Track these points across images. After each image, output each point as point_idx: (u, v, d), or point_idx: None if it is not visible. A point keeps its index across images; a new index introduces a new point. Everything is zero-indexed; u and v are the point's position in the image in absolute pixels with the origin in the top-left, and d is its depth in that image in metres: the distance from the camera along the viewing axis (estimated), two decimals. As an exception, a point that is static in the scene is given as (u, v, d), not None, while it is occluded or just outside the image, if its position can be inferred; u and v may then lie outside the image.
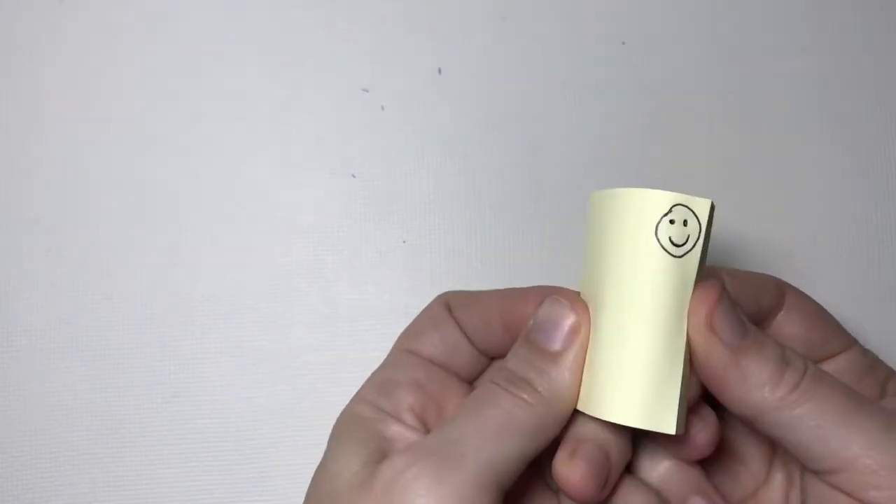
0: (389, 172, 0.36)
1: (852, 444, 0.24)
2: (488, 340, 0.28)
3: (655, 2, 0.37)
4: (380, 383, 0.28)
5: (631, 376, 0.25)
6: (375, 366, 0.35)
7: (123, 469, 0.35)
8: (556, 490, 0.28)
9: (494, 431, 0.24)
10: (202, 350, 0.35)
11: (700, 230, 0.25)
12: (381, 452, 0.25)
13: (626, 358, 0.25)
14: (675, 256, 0.25)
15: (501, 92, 0.36)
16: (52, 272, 0.35)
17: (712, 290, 0.25)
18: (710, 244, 0.26)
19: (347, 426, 0.27)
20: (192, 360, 0.35)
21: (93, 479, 0.35)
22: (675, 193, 0.25)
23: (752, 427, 0.25)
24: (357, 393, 0.28)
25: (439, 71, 0.37)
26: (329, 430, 0.35)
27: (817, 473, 0.25)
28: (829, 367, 0.28)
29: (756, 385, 0.24)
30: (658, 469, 0.28)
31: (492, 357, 0.29)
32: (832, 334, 0.28)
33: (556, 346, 0.26)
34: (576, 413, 0.26)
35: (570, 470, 0.25)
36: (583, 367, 0.26)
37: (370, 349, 0.35)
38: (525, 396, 0.25)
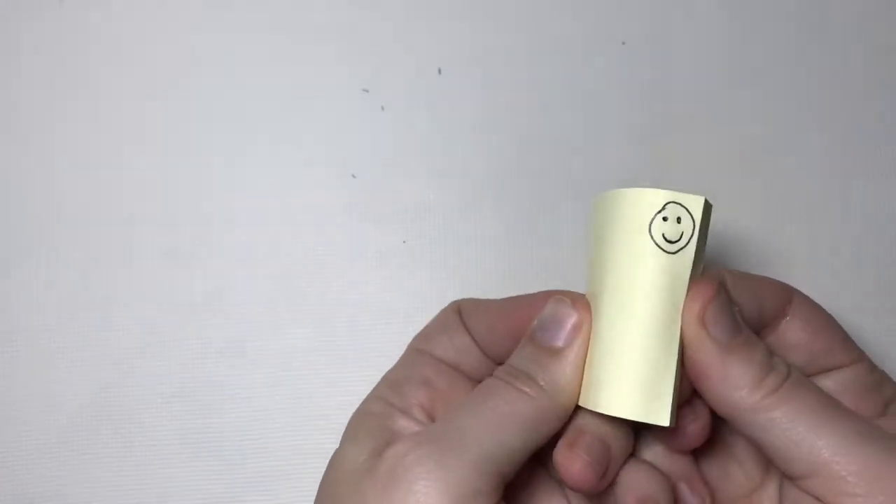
0: (389, 172, 0.36)
1: (823, 449, 0.24)
2: (495, 345, 0.29)
3: (655, 2, 0.37)
4: (391, 382, 0.29)
5: (626, 370, 0.25)
6: (375, 365, 0.35)
7: (123, 469, 0.35)
8: (559, 482, 0.28)
9: (495, 421, 0.25)
10: (202, 350, 0.35)
11: (694, 227, 0.25)
12: (388, 443, 0.26)
13: (622, 353, 0.25)
14: (668, 253, 0.25)
15: (501, 92, 0.36)
16: (53, 272, 0.35)
17: (708, 286, 0.26)
18: (708, 243, 0.27)
19: (358, 422, 0.28)
20: (192, 360, 0.35)
21: (93, 479, 0.35)
22: (668, 191, 0.26)
23: (732, 425, 0.26)
24: (371, 392, 0.29)
25: (439, 71, 0.37)
26: (329, 430, 0.35)
27: (792, 478, 0.25)
28: (830, 379, 0.27)
29: (735, 385, 0.25)
30: (649, 455, 0.28)
31: (499, 363, 0.29)
32: (838, 346, 0.28)
33: (559, 343, 0.26)
34: (578, 408, 0.27)
35: (570, 460, 0.25)
36: (584, 363, 0.26)
37: (370, 349, 0.35)
38: (527, 390, 0.26)
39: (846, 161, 0.37)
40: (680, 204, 0.25)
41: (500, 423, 0.25)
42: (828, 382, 0.27)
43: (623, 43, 0.37)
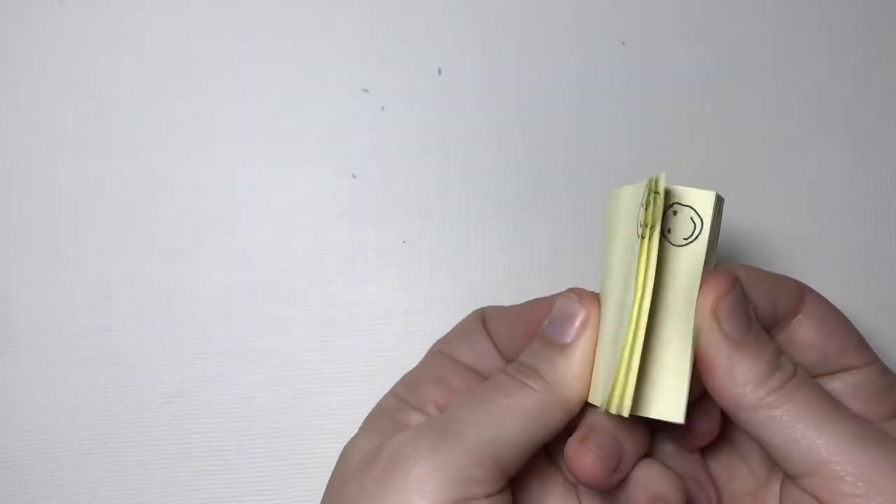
0: (389, 172, 0.36)
1: (822, 448, 0.24)
2: (514, 349, 0.29)
3: (655, 2, 0.37)
4: (408, 380, 0.30)
5: (637, 366, 0.25)
6: (376, 365, 0.35)
7: (123, 469, 0.35)
8: (573, 483, 0.28)
9: (497, 414, 0.25)
10: (202, 350, 0.35)
11: (702, 221, 0.25)
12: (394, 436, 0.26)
13: (637, 347, 0.25)
14: (676, 245, 0.25)
15: (501, 92, 0.36)
16: (52, 272, 0.35)
17: (723, 279, 0.25)
18: (719, 241, 0.27)
19: (371, 417, 0.29)
20: (192, 360, 0.35)
21: (93, 479, 0.35)
22: (678, 187, 0.26)
23: (734, 421, 0.26)
24: (389, 390, 0.30)
25: (439, 71, 0.37)
26: (329, 430, 0.35)
27: (791, 477, 0.25)
28: (840, 381, 0.27)
29: (740, 381, 0.25)
30: (658, 453, 0.28)
31: None
32: (850, 347, 0.27)
33: (567, 339, 0.26)
34: (591, 406, 0.27)
35: (580, 454, 0.25)
36: (592, 358, 0.26)
37: (370, 349, 0.35)
38: (530, 383, 0.26)
39: (847, 160, 0.37)
40: (685, 204, 0.26)
41: (499, 414, 0.25)
42: (837, 384, 0.27)
43: (623, 43, 0.37)
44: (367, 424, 0.28)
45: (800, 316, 0.27)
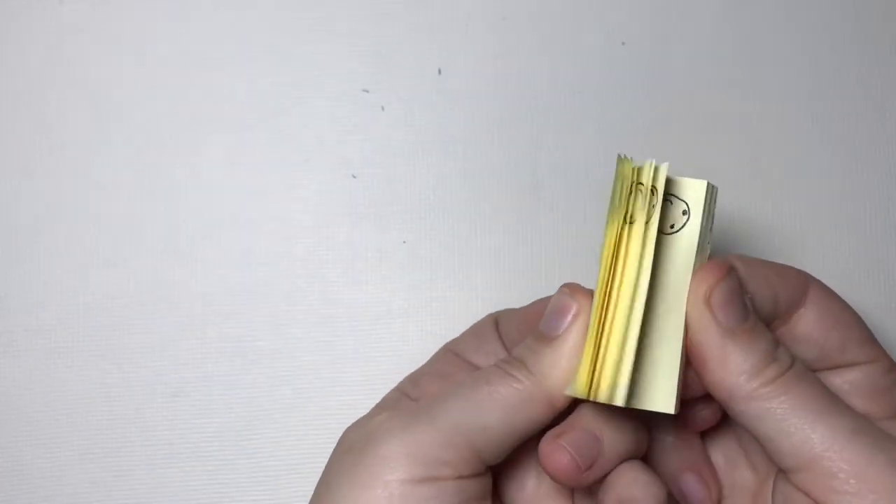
0: (389, 172, 0.36)
1: (815, 443, 0.24)
2: None
3: (655, 2, 0.37)
4: (414, 376, 0.30)
5: (627, 357, 0.25)
6: (375, 365, 0.36)
7: (123, 469, 0.35)
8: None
9: (474, 400, 0.26)
10: (202, 350, 0.35)
11: (689, 210, 0.25)
12: None
13: (623, 339, 0.25)
14: (666, 233, 0.25)
15: (501, 92, 0.36)
16: (52, 272, 0.35)
17: (717, 268, 0.25)
18: (715, 243, 0.27)
19: (373, 408, 0.29)
20: (192, 360, 0.35)
21: (93, 479, 0.35)
22: (671, 176, 0.26)
23: (728, 412, 0.25)
24: (396, 385, 0.30)
25: (439, 71, 0.37)
26: (328, 430, 0.35)
27: (784, 471, 0.25)
28: (841, 377, 0.27)
29: (734, 372, 0.24)
30: (657, 441, 0.28)
31: None
32: (853, 343, 0.27)
33: (558, 332, 0.26)
34: (581, 403, 0.26)
35: (552, 449, 0.25)
36: (579, 351, 0.26)
37: (370, 349, 0.35)
38: (515, 374, 0.26)
39: (847, 159, 0.37)
40: (675, 194, 0.26)
41: (477, 400, 0.26)
42: (837, 380, 0.27)
43: (623, 43, 0.37)
44: (366, 414, 0.29)
45: (802, 309, 0.27)
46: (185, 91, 0.36)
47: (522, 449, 0.27)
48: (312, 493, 0.27)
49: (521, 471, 0.28)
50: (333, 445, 0.28)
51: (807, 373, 0.25)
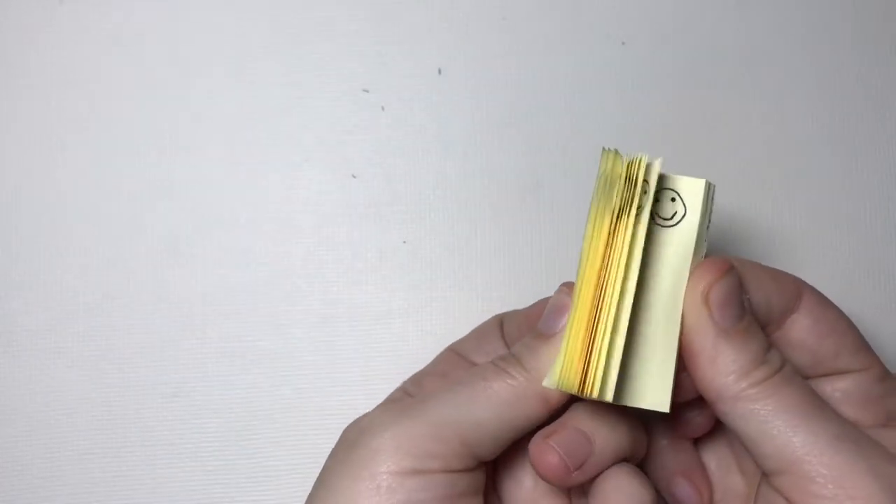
0: (389, 172, 0.36)
1: (797, 447, 0.24)
2: None
3: (655, 2, 0.37)
4: (417, 376, 0.30)
5: (616, 352, 0.25)
6: (376, 366, 0.36)
7: (123, 469, 0.35)
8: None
9: (467, 395, 0.26)
10: (202, 350, 0.35)
11: (687, 207, 0.25)
12: None
13: (613, 334, 0.25)
14: (664, 227, 0.25)
15: (501, 92, 0.36)
16: (52, 272, 0.35)
17: (717, 265, 0.25)
18: (712, 244, 0.26)
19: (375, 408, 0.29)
20: (192, 360, 0.35)
21: (93, 479, 0.35)
22: (665, 175, 0.26)
23: (714, 411, 0.25)
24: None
25: (439, 71, 0.37)
26: (328, 430, 0.35)
27: (766, 474, 0.25)
28: (831, 384, 0.27)
29: (723, 371, 0.24)
30: (650, 445, 0.28)
31: None
32: (846, 351, 0.27)
33: (555, 331, 0.26)
34: (577, 402, 0.26)
35: (541, 449, 0.25)
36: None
37: (370, 349, 0.35)
38: (510, 370, 0.26)
39: (847, 159, 0.37)
40: (674, 191, 0.26)
41: (470, 395, 0.26)
42: (828, 387, 0.27)
43: (623, 43, 0.37)
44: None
45: (796, 314, 0.27)
46: (185, 91, 0.36)
47: (520, 447, 0.27)
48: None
49: (518, 469, 0.28)
50: (333, 445, 0.28)
51: (795, 377, 0.25)
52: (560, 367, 0.25)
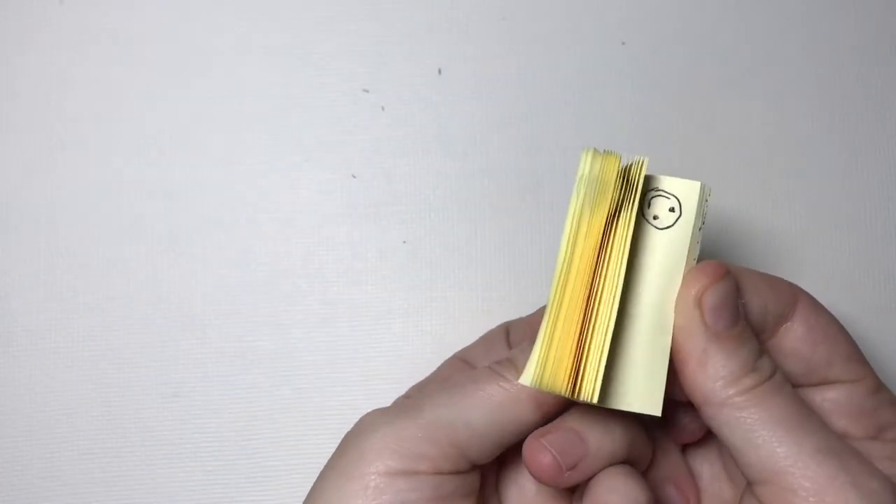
0: (389, 172, 0.36)
1: (780, 457, 0.23)
2: None
3: (655, 2, 0.37)
4: (421, 382, 0.31)
5: (614, 358, 0.24)
6: (375, 365, 0.36)
7: (123, 469, 0.35)
8: (572, 489, 0.28)
9: (460, 398, 0.26)
10: (202, 350, 0.35)
11: (682, 209, 0.25)
12: None
13: (608, 339, 0.24)
14: (657, 228, 0.25)
15: (501, 92, 0.36)
16: (52, 272, 0.35)
17: (713, 269, 0.25)
18: (708, 244, 0.26)
19: None
20: (192, 360, 0.35)
21: (93, 479, 0.35)
22: (657, 176, 0.26)
23: (700, 415, 0.25)
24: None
25: (439, 71, 0.37)
26: (328, 430, 0.35)
27: (749, 483, 0.25)
28: (821, 394, 0.27)
29: (712, 377, 0.24)
30: None
31: None
32: (839, 361, 0.26)
33: None
34: (572, 406, 0.26)
35: (534, 449, 0.25)
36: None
37: (370, 349, 0.35)
38: (504, 373, 0.26)
39: (847, 159, 0.37)
40: (668, 193, 0.26)
41: (463, 398, 0.26)
42: (819, 397, 0.27)
43: (623, 43, 0.37)
44: None
45: (790, 322, 0.27)
46: (185, 91, 0.36)
47: (521, 451, 0.27)
48: None
49: (520, 474, 0.28)
50: (333, 445, 0.28)
51: (784, 386, 0.25)
52: (535, 366, 0.24)
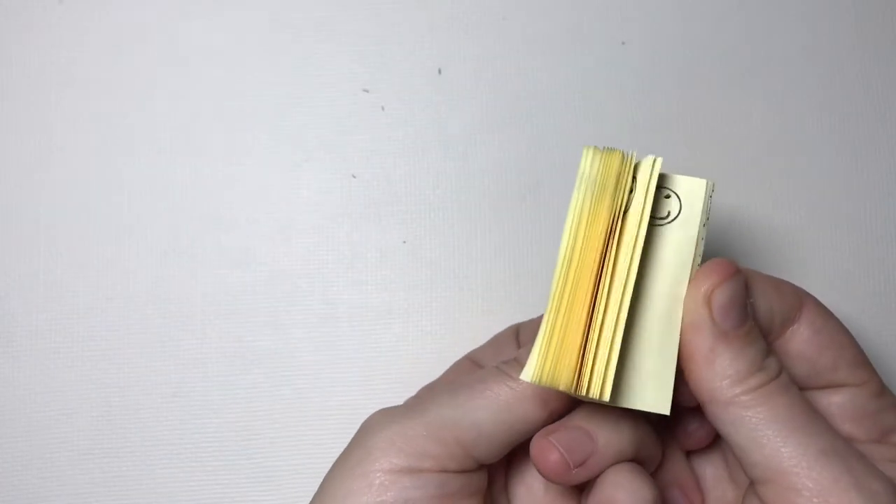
0: (389, 172, 0.36)
1: (784, 458, 0.23)
2: None
3: (655, 2, 0.37)
4: (431, 383, 0.31)
5: (621, 355, 0.24)
6: (375, 365, 0.36)
7: (123, 469, 0.35)
8: (580, 488, 0.28)
9: (465, 397, 0.26)
10: (202, 350, 0.35)
11: (688, 206, 0.25)
12: None
13: (617, 336, 0.24)
14: (664, 225, 0.25)
15: (501, 92, 0.36)
16: (52, 272, 0.35)
17: (723, 268, 0.25)
18: (711, 245, 0.26)
19: None
20: (192, 360, 0.35)
21: (93, 479, 0.35)
22: (666, 174, 0.26)
23: (705, 414, 0.25)
24: None
25: (439, 71, 0.37)
26: (328, 430, 0.35)
27: (752, 482, 0.25)
28: (827, 397, 0.27)
29: (718, 375, 0.24)
30: None
31: None
32: (844, 365, 0.26)
33: None
34: (579, 404, 0.26)
35: (541, 447, 0.25)
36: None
37: (370, 349, 0.35)
38: (511, 373, 0.26)
39: (848, 159, 0.37)
40: (674, 190, 0.26)
41: (468, 397, 0.26)
42: (824, 400, 0.27)
43: (623, 43, 0.37)
44: None
45: (796, 325, 0.27)
46: (185, 91, 0.36)
47: (528, 451, 0.27)
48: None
49: (529, 474, 0.28)
50: (333, 445, 0.28)
51: (790, 386, 0.25)
52: (536, 361, 0.24)
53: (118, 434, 0.35)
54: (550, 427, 0.26)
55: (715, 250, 0.36)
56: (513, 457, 0.28)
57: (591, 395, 0.24)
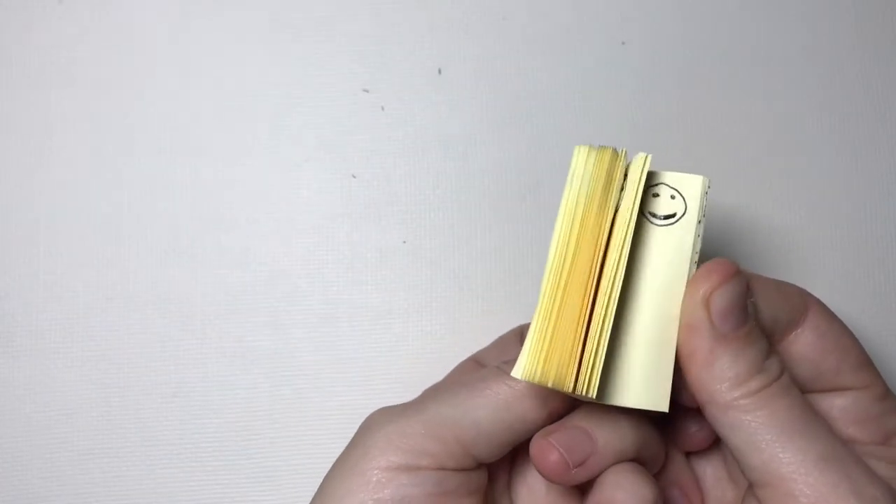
0: (389, 172, 0.36)
1: (783, 463, 0.23)
2: None
3: (655, 2, 0.37)
4: (436, 384, 0.31)
5: (620, 355, 0.24)
6: (375, 365, 0.36)
7: (123, 469, 0.35)
8: (582, 489, 0.28)
9: (465, 396, 0.26)
10: (202, 350, 0.35)
11: (686, 203, 0.25)
12: None
13: (616, 336, 0.24)
14: (660, 223, 0.25)
15: (501, 92, 0.36)
16: (52, 272, 0.35)
17: (724, 267, 0.25)
18: (710, 245, 0.26)
19: None
20: (192, 360, 0.35)
21: (93, 479, 0.35)
22: (661, 171, 0.26)
23: (704, 415, 0.25)
24: None
25: (439, 71, 0.37)
26: (328, 430, 0.35)
27: (751, 484, 0.25)
28: (830, 401, 0.26)
29: (717, 378, 0.24)
30: None
31: None
32: (848, 368, 0.26)
33: None
34: (579, 403, 0.26)
35: (541, 447, 0.25)
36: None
37: (370, 349, 0.35)
38: (508, 370, 0.26)
39: (848, 159, 0.37)
40: (672, 187, 0.26)
41: (468, 396, 0.26)
42: (826, 404, 0.26)
43: (623, 43, 0.37)
44: None
45: (800, 329, 0.26)
46: (185, 91, 0.36)
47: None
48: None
49: (530, 473, 0.28)
50: (333, 445, 0.28)
51: (791, 389, 0.25)
52: (527, 359, 0.24)
53: (118, 434, 0.35)
54: (550, 427, 0.26)
55: (715, 250, 0.36)
56: (515, 457, 0.28)
57: (577, 393, 0.24)
